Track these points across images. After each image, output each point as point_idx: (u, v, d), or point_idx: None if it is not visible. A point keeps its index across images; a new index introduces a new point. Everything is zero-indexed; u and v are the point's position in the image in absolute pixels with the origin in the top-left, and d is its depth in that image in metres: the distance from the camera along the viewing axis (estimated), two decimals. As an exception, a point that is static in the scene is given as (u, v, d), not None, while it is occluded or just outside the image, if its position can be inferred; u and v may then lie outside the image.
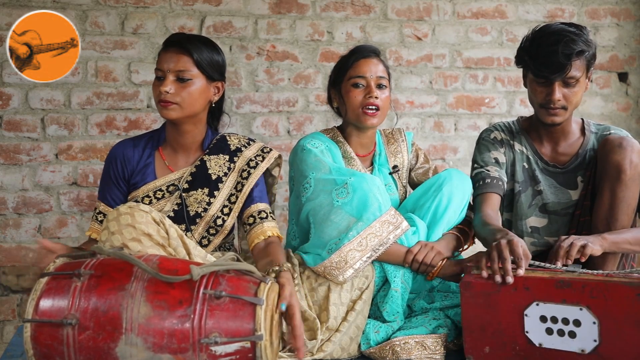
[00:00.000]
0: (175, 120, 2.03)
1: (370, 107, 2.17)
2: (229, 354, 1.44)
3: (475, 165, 2.28)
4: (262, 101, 3.22)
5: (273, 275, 1.75)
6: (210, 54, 2.05)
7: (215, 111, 2.18)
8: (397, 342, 1.90)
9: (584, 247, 1.84)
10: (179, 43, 2.02)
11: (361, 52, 2.24)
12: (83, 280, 1.49)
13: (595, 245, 1.87)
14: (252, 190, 2.10)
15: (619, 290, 1.60)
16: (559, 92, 2.08)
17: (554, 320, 1.67)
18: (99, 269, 1.52)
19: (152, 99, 3.07)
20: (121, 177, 2.07)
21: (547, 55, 2.05)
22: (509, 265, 1.71)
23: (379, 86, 2.19)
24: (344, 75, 2.23)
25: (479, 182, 2.20)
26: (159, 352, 1.42)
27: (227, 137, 2.16)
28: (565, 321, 1.66)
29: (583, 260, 1.84)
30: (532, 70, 2.11)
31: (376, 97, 2.17)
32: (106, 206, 2.06)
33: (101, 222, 2.04)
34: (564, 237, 1.90)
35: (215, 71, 2.06)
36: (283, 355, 1.85)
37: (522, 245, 1.77)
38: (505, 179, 2.23)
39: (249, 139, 2.19)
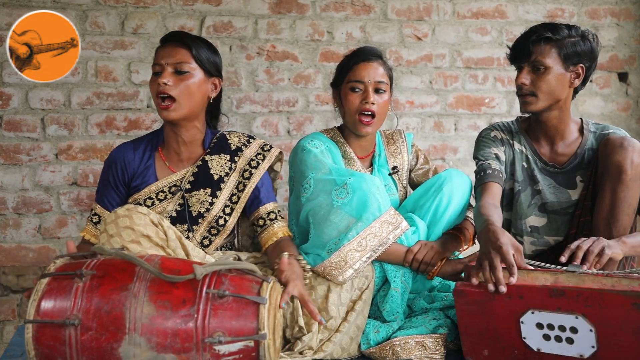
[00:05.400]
0: (175, 122, 2.02)
1: (366, 112, 2.17)
2: (233, 353, 1.44)
3: (476, 160, 2.28)
4: (262, 101, 3.22)
5: (276, 266, 1.80)
6: (208, 50, 2.07)
7: (214, 110, 2.18)
8: (397, 342, 1.90)
9: (602, 250, 1.80)
10: (177, 38, 2.04)
11: (361, 56, 2.23)
12: (85, 281, 1.49)
13: (616, 249, 1.84)
14: (258, 191, 2.10)
15: (613, 300, 1.58)
16: (525, 77, 2.15)
17: (551, 327, 1.66)
18: (101, 269, 1.52)
19: (152, 99, 3.08)
20: (121, 181, 2.06)
21: (516, 41, 2.20)
22: (501, 274, 1.68)
23: (377, 91, 2.19)
24: (344, 77, 2.23)
25: (480, 173, 2.20)
26: (162, 352, 1.42)
27: (227, 136, 2.16)
28: (562, 328, 1.64)
29: (599, 267, 1.80)
30: (510, 61, 2.23)
31: (372, 103, 2.16)
32: (102, 208, 2.06)
33: (96, 224, 2.04)
34: (583, 238, 1.86)
35: (212, 66, 2.07)
36: (283, 356, 1.85)
37: (515, 247, 1.75)
38: (504, 175, 2.23)
39: (249, 137, 2.19)
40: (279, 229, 2.07)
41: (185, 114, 2.01)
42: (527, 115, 2.32)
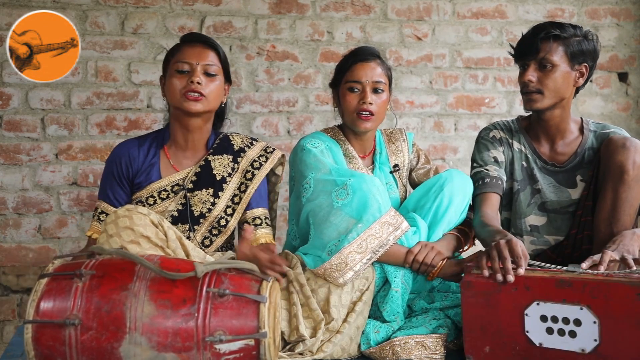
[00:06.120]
0: (196, 115, 2.03)
1: (364, 112, 2.17)
2: (233, 352, 1.44)
3: (475, 164, 2.29)
4: (262, 101, 3.22)
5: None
6: (225, 57, 2.12)
7: (220, 115, 2.20)
8: (397, 342, 1.90)
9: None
10: (205, 39, 2.07)
11: (358, 56, 2.23)
12: (84, 281, 1.49)
13: (635, 248, 1.85)
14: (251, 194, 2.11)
15: (619, 290, 1.60)
16: (531, 74, 2.13)
17: (554, 319, 1.67)
18: (100, 269, 1.52)
19: (152, 99, 3.08)
20: (125, 177, 2.06)
21: (522, 38, 2.18)
22: (509, 264, 1.71)
23: (375, 90, 2.19)
24: (342, 78, 2.23)
25: (479, 181, 2.21)
26: (163, 351, 1.42)
27: (230, 137, 2.17)
28: (566, 321, 1.66)
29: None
30: (513, 57, 2.21)
31: (370, 103, 2.17)
32: (108, 205, 2.04)
33: (102, 221, 2.03)
34: (609, 248, 1.85)
35: (228, 72, 2.12)
36: (283, 355, 1.85)
37: (521, 245, 1.77)
38: (504, 177, 2.23)
39: (252, 139, 2.20)
40: (262, 236, 2.09)
41: (207, 110, 2.05)
42: (529, 113, 2.32)
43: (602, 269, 1.73)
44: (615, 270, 1.73)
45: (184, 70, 2.01)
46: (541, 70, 2.13)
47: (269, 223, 2.14)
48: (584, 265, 1.76)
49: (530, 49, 2.13)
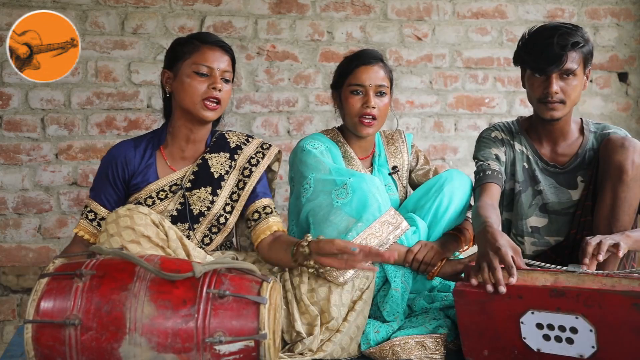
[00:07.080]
0: (209, 121, 2.06)
1: (367, 116, 2.17)
2: (233, 353, 1.44)
3: (476, 160, 2.28)
4: (262, 101, 3.22)
5: (305, 249, 1.83)
6: (235, 59, 2.13)
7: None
8: (397, 342, 1.90)
9: (616, 245, 1.79)
10: (223, 44, 2.07)
11: (361, 59, 2.22)
12: (85, 281, 1.49)
13: (623, 243, 1.82)
14: (255, 186, 2.11)
15: (613, 300, 1.57)
16: (556, 85, 2.08)
17: (551, 327, 1.65)
18: (100, 269, 1.52)
19: (152, 99, 3.08)
20: (120, 179, 2.05)
21: (544, 47, 2.09)
22: (500, 275, 1.67)
23: (378, 94, 2.19)
24: (344, 80, 2.23)
25: (479, 174, 2.19)
26: (162, 351, 1.42)
27: (226, 135, 2.18)
28: (562, 328, 1.64)
29: (621, 254, 1.79)
30: (530, 65, 2.13)
31: (373, 107, 2.17)
32: (98, 205, 2.04)
33: (91, 220, 2.03)
34: (589, 237, 1.84)
35: (234, 75, 2.13)
36: (283, 356, 1.85)
37: (513, 248, 1.74)
38: (504, 174, 2.23)
39: (248, 136, 2.20)
40: (274, 224, 2.08)
41: (220, 115, 2.09)
42: (529, 114, 2.31)
43: (593, 268, 1.72)
44: (615, 270, 1.73)
45: (203, 73, 2.00)
46: (563, 80, 2.09)
47: (278, 213, 2.14)
48: (586, 261, 1.74)
49: (557, 61, 2.06)
